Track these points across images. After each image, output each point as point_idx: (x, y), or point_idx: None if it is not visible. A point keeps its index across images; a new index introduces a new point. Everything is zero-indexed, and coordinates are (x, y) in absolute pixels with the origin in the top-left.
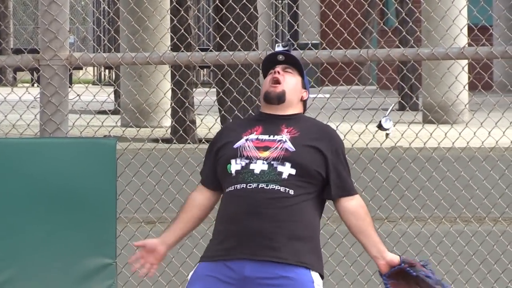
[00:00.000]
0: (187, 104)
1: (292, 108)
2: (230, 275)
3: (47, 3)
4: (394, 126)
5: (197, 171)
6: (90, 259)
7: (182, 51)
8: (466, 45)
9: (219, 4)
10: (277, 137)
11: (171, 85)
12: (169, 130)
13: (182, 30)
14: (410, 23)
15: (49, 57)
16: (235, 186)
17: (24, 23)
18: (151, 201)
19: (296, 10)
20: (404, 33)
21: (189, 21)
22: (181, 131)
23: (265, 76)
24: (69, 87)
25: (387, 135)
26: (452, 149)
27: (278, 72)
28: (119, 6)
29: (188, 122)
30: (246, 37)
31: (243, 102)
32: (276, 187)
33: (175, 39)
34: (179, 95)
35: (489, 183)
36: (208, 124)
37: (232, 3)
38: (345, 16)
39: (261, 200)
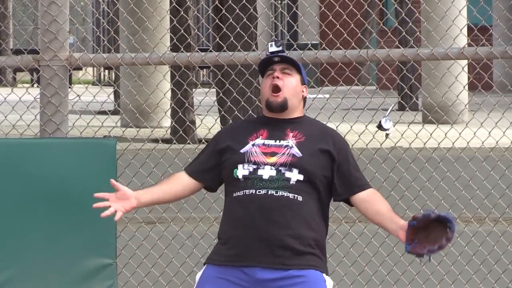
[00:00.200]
0: (186, 104)
1: (294, 111)
2: (242, 278)
3: (47, 4)
4: (394, 126)
5: None
6: (90, 259)
7: (182, 52)
8: (466, 45)
9: (218, 5)
10: (283, 142)
11: (170, 86)
12: (169, 131)
13: (182, 31)
14: (410, 23)
15: (49, 58)
16: (244, 191)
17: (24, 24)
18: None
19: (296, 10)
20: (404, 33)
21: (188, 22)
22: (180, 132)
23: (262, 75)
24: (69, 87)
25: (387, 135)
26: (452, 149)
27: (277, 77)
28: (118, 6)
29: (188, 123)
30: (246, 38)
31: (242, 103)
32: (285, 193)
33: (175, 40)
34: (179, 95)
35: (489, 183)
36: (208, 125)
37: (232, 4)
38: (344, 16)
39: (271, 207)
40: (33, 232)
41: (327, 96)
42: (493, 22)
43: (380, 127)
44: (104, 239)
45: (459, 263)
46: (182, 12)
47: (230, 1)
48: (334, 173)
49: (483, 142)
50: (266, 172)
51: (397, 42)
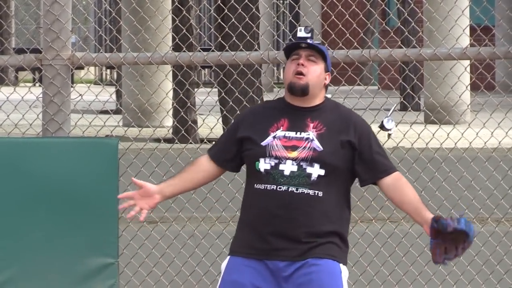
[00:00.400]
0: (188, 104)
1: (315, 99)
2: (264, 268)
3: (49, 3)
4: (396, 126)
5: None
6: (92, 258)
7: (184, 51)
8: (469, 46)
9: (221, 4)
10: (304, 135)
11: (173, 85)
12: (171, 130)
13: (184, 30)
14: (412, 23)
15: (51, 57)
16: (265, 186)
17: (26, 23)
18: None
19: (298, 10)
20: (406, 33)
21: (191, 21)
22: (182, 131)
23: (287, 58)
24: (71, 86)
25: (389, 135)
26: (454, 150)
27: (302, 65)
28: (121, 6)
29: (190, 122)
30: (248, 37)
31: (245, 102)
32: (306, 190)
33: (177, 39)
34: (181, 95)
35: (491, 183)
36: (209, 124)
37: (234, 3)
38: (347, 16)
39: (292, 204)
40: (34, 232)
41: (329, 96)
42: (496, 22)
43: (382, 127)
44: (106, 238)
45: (461, 264)
46: (184, 12)
47: (232, 1)
48: (356, 161)
49: (485, 143)
50: (288, 168)
51: (399, 42)
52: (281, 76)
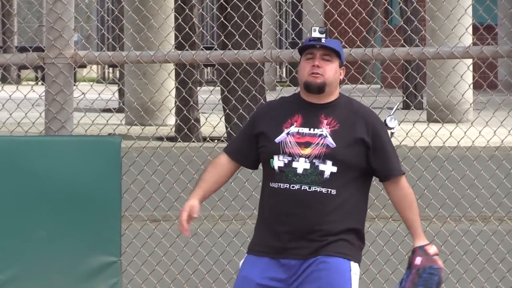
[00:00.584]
0: (191, 102)
1: (330, 95)
2: (278, 265)
3: (52, 2)
4: (399, 125)
5: (202, 169)
6: (95, 257)
7: (187, 50)
8: (471, 44)
9: (223, 3)
10: (318, 131)
11: (175, 84)
12: (174, 129)
13: (187, 29)
14: (415, 22)
15: (54, 55)
16: (279, 184)
17: (29, 21)
18: (156, 199)
19: (301, 9)
20: (409, 32)
21: (193, 20)
22: (185, 130)
23: (300, 54)
24: (74, 85)
25: (392, 134)
26: (457, 148)
27: (318, 66)
28: (123, 4)
29: (192, 121)
30: (251, 36)
31: (247, 101)
32: (319, 189)
33: (180, 38)
34: (184, 93)
35: (494, 182)
36: (212, 123)
37: (237, 2)
38: (349, 15)
39: (305, 203)
40: (37, 231)
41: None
42: (499, 21)
43: (385, 125)
44: (108, 237)
45: (463, 262)
46: (187, 10)
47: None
48: (370, 159)
49: (488, 141)
50: (300, 165)
51: (402, 41)
52: (284, 74)
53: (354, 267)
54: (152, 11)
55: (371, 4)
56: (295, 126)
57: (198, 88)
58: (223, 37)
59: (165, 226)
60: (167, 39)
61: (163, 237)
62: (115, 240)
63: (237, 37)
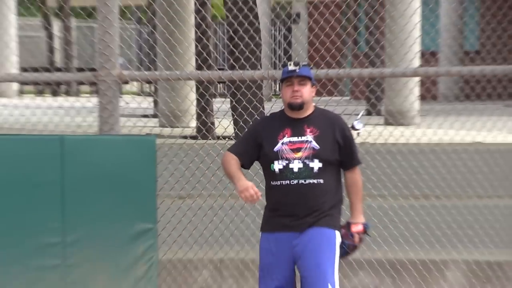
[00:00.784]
0: (208, 110)
1: (308, 109)
2: (284, 237)
3: (102, 33)
4: (363, 127)
5: (216, 160)
6: (138, 224)
7: (204, 70)
8: (419, 66)
9: (232, 35)
10: (304, 138)
11: (196, 96)
12: (195, 130)
13: (204, 54)
14: (377, 49)
15: (104, 74)
16: (281, 182)
17: (84, 47)
18: (182, 182)
19: (290, 39)
20: (372, 56)
21: (209, 47)
22: (204, 130)
23: (282, 81)
24: (120, 97)
25: (358, 134)
26: (406, 144)
27: (297, 91)
28: (156, 35)
29: (209, 124)
30: (253, 60)
31: (250, 109)
32: (311, 180)
33: (199, 61)
34: (202, 103)
35: (432, 169)
36: (224, 125)
37: (242, 34)
38: (327, 43)
39: (302, 193)
40: (95, 204)
41: (313, 104)
42: (440, 48)
43: (353, 127)
44: (147, 209)
45: (409, 230)
46: (204, 40)
47: (241, 32)
48: (341, 154)
49: (429, 139)
50: (296, 166)
51: (366, 63)
52: (278, 89)
53: (337, 234)
54: (178, 41)
55: (344, 35)
56: (287, 137)
57: (213, 99)
58: (232, 61)
59: (188, 201)
60: (190, 62)
61: (188, 210)
62: (152, 212)
63: (242, 60)
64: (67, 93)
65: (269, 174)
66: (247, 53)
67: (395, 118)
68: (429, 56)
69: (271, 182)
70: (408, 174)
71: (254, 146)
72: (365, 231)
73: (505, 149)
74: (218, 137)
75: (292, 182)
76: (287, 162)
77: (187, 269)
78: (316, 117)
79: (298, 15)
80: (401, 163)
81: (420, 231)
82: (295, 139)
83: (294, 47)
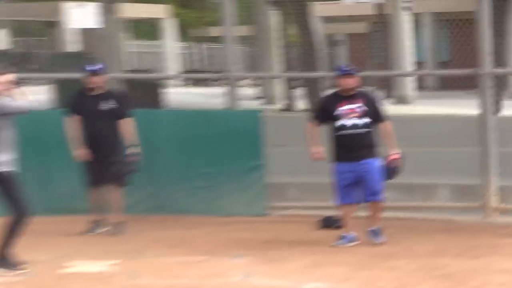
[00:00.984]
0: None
1: (355, 90)
2: (352, 165)
3: None
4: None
5: (297, 125)
6: (253, 161)
7: None
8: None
9: None
10: (356, 105)
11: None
12: (287, 106)
13: None
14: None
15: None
16: (343, 132)
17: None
18: (279, 137)
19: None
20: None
21: None
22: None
23: (338, 77)
24: None
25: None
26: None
27: (348, 82)
28: None
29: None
30: None
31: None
32: (363, 130)
33: None
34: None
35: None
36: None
37: None
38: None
39: (359, 138)
40: (229, 160)
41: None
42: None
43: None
44: (258, 152)
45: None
46: None
47: None
48: (374, 115)
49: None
50: (353, 122)
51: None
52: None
53: (382, 161)
54: None
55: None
56: (345, 105)
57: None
58: None
59: (283, 148)
60: None
61: (283, 153)
62: (261, 154)
63: None
64: None
65: (335, 128)
66: None
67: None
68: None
69: (337, 133)
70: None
71: (324, 115)
72: (399, 158)
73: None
74: (299, 111)
75: (352, 131)
76: (346, 119)
77: (282, 189)
78: (359, 94)
79: None
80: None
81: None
82: (351, 106)
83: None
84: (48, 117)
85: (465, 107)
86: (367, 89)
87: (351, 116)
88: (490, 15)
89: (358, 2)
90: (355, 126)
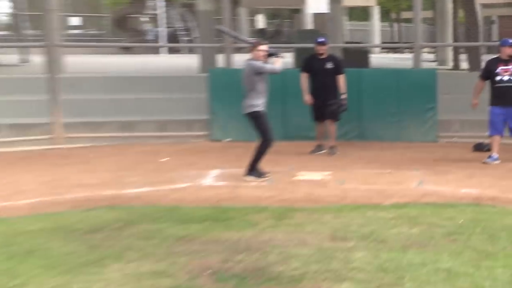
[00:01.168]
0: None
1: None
2: (504, 108)
3: None
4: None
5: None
6: (428, 104)
7: None
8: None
9: None
10: (510, 66)
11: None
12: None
13: None
14: None
15: None
16: (500, 85)
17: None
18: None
19: None
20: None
21: None
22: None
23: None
24: None
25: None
26: None
27: (508, 50)
28: None
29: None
30: None
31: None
32: (510, 84)
33: None
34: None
35: None
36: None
37: None
38: None
39: (510, 90)
40: (412, 95)
41: None
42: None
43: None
44: (433, 97)
45: None
46: None
47: None
48: None
49: None
50: (507, 78)
51: None
52: None
53: None
54: None
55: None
56: (501, 67)
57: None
58: None
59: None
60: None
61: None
62: (436, 98)
63: None
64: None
65: (493, 82)
66: None
67: None
68: None
69: (495, 85)
70: None
71: (487, 75)
72: None
73: None
74: (462, 70)
75: (505, 84)
76: (502, 76)
77: (448, 124)
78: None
79: None
80: None
81: None
82: (506, 67)
83: None
84: (290, 74)
85: None
86: None
87: (505, 73)
88: None
89: None
90: (509, 81)
